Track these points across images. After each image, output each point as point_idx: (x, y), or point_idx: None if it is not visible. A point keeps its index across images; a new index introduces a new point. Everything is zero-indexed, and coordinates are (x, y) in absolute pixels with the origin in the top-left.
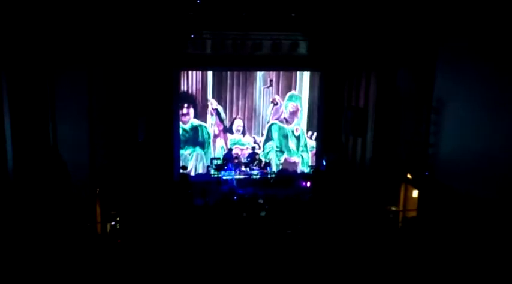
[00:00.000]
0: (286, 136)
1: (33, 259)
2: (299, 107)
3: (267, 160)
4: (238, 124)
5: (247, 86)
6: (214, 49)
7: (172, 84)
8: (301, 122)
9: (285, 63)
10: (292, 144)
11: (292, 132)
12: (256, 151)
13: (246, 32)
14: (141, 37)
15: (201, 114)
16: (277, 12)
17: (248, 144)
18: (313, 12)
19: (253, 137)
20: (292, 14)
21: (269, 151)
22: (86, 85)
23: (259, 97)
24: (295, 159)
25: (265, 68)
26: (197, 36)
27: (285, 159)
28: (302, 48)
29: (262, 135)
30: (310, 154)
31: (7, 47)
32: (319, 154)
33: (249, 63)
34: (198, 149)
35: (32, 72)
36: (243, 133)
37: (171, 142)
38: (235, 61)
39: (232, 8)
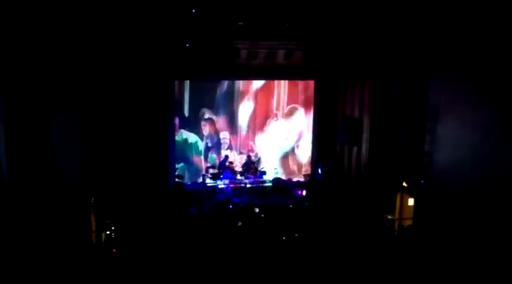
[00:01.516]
0: (286, 155)
1: (28, 269)
2: (300, 122)
3: (263, 169)
4: (224, 136)
5: (227, 101)
6: (209, 58)
7: (167, 92)
8: (300, 138)
9: (280, 72)
10: (293, 164)
11: (293, 149)
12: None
13: (241, 42)
14: (136, 46)
15: (192, 126)
16: (272, 22)
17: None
18: (308, 22)
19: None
20: (287, 24)
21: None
22: (81, 93)
23: (241, 114)
24: (298, 178)
25: (260, 76)
26: (192, 46)
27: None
28: (296, 58)
29: (240, 153)
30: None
31: (1, 52)
32: (314, 163)
33: (244, 72)
34: (187, 165)
35: (27, 78)
36: (230, 148)
37: (166, 151)
38: (230, 70)
39: (227, 17)
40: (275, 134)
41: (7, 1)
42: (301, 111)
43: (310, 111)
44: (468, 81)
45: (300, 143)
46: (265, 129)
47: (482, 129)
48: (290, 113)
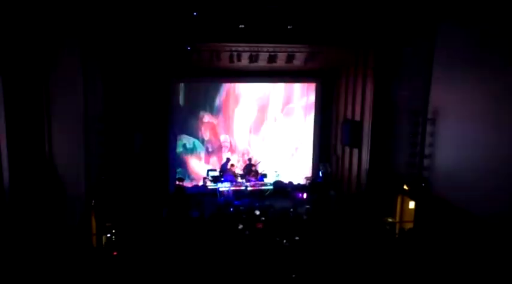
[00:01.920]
0: (285, 158)
1: (29, 272)
2: (299, 125)
3: (263, 172)
4: (224, 139)
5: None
6: (211, 61)
7: (169, 95)
8: (299, 141)
9: (282, 75)
10: (293, 166)
11: (292, 152)
12: (253, 162)
13: (242, 44)
14: (138, 49)
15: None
16: (273, 24)
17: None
18: (309, 24)
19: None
20: (289, 27)
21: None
22: (82, 98)
23: (239, 116)
24: (299, 181)
25: (262, 79)
26: (193, 49)
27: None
28: (299, 60)
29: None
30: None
31: (3, 62)
32: (315, 166)
33: (246, 75)
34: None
35: (28, 85)
36: (230, 151)
37: (166, 154)
38: (232, 73)
39: (228, 20)
40: (273, 137)
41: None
42: (299, 114)
43: (308, 114)
44: (470, 84)
45: (298, 146)
46: (263, 131)
47: (483, 132)
48: (288, 116)
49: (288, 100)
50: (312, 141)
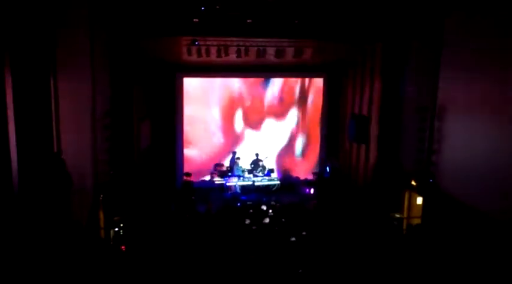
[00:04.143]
0: (284, 153)
1: (36, 267)
2: (296, 121)
3: (270, 167)
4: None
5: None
6: (219, 55)
7: (176, 90)
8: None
9: (289, 69)
10: (293, 162)
11: (292, 147)
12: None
13: (250, 39)
14: (146, 43)
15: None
16: (280, 19)
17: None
18: (316, 18)
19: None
20: (296, 21)
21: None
22: (91, 92)
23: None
24: (306, 177)
25: (269, 74)
26: (201, 43)
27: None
28: (306, 54)
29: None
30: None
31: (12, 59)
32: (322, 161)
33: (253, 70)
34: None
35: (37, 80)
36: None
37: (174, 149)
38: (239, 67)
39: (236, 15)
40: (272, 133)
41: None
42: (297, 110)
43: (309, 109)
44: (477, 79)
45: (297, 141)
46: (261, 127)
47: (492, 128)
48: (286, 112)
49: (285, 97)
50: (320, 136)
